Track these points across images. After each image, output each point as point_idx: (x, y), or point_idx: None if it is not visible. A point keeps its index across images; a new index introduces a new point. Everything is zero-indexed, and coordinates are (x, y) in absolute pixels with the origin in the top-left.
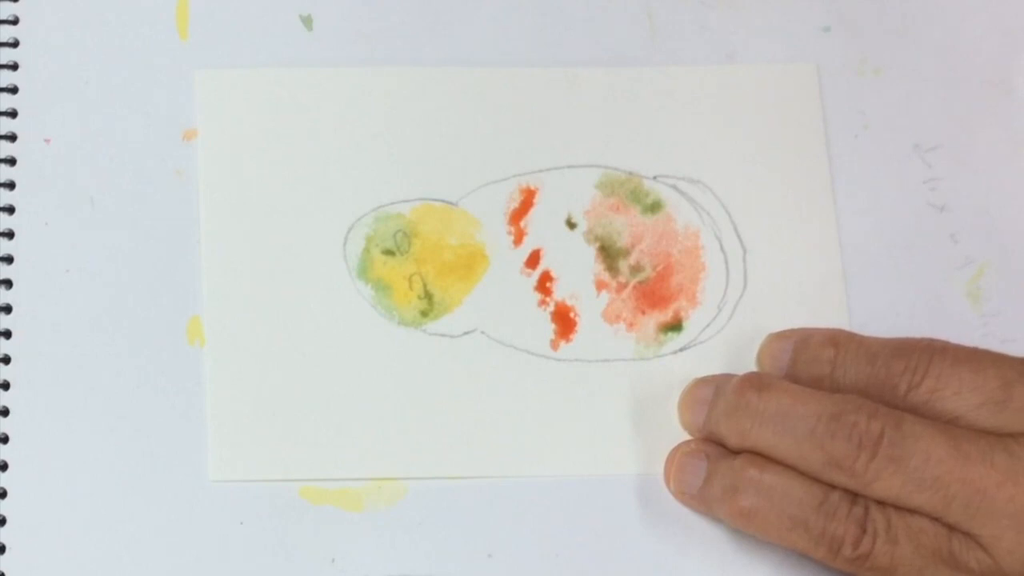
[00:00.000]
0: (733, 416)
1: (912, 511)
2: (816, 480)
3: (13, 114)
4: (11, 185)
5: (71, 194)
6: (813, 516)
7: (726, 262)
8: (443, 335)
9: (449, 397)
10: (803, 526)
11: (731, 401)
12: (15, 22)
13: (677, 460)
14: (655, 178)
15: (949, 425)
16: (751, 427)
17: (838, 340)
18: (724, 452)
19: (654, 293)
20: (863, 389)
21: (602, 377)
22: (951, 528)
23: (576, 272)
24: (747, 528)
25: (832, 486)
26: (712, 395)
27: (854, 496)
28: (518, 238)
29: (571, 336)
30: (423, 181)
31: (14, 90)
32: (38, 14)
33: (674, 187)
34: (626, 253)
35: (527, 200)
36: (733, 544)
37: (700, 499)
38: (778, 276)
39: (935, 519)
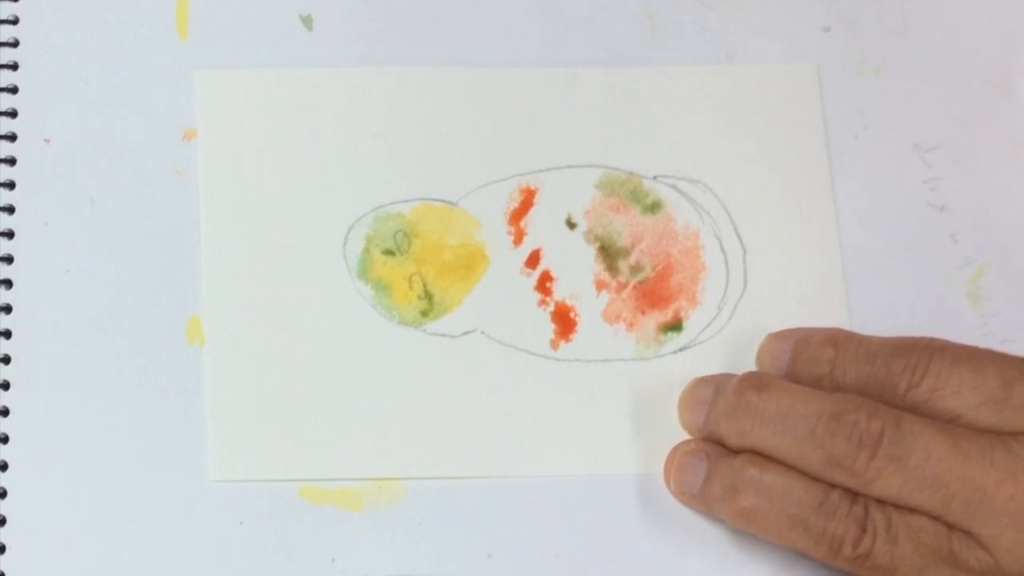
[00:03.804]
0: (733, 416)
1: (912, 510)
2: (816, 480)
3: (13, 114)
4: (11, 185)
5: (71, 194)
6: (813, 516)
7: (726, 262)
8: (443, 335)
9: (449, 397)
10: (803, 526)
11: (731, 401)
12: (15, 22)
13: (677, 460)
14: (655, 178)
15: (949, 424)
16: (751, 427)
17: (838, 340)
18: (724, 452)
19: (654, 293)
20: (863, 388)
21: (602, 377)
22: (951, 527)
23: (576, 272)
24: (747, 528)
25: (832, 485)
26: (712, 395)
27: (854, 495)
28: (518, 238)
29: (571, 336)
30: (423, 181)
31: (14, 90)
32: (38, 14)
33: (674, 187)
34: (626, 253)
35: (527, 200)
36: (733, 544)
37: (700, 499)
38: (778, 276)
39: (935, 518)
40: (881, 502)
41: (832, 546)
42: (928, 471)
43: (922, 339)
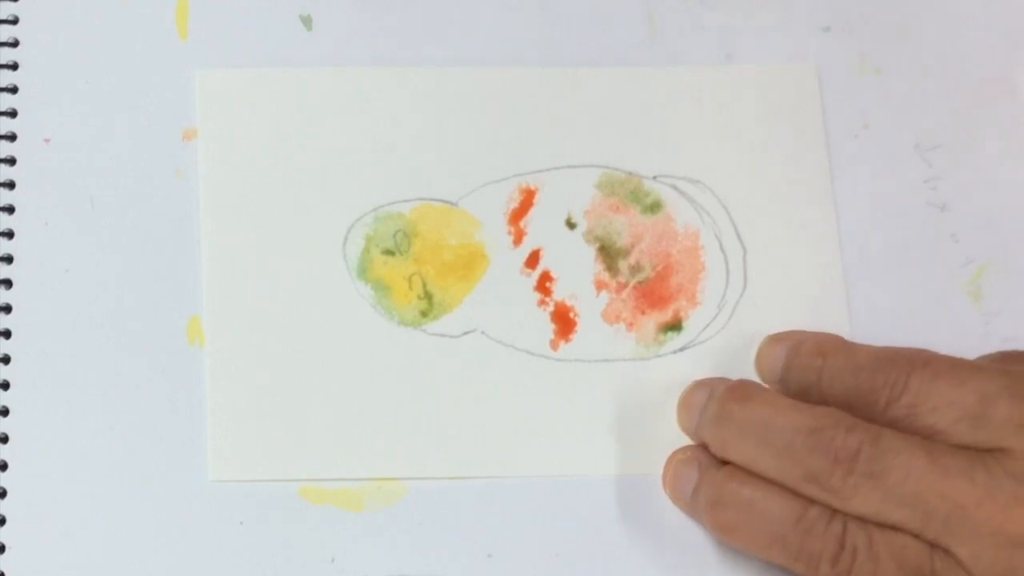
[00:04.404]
0: (716, 425)
1: (893, 528)
2: (796, 495)
3: (13, 114)
4: (11, 185)
5: (71, 194)
6: (791, 532)
7: (726, 262)
8: (443, 335)
9: (449, 397)
10: (781, 542)
11: (715, 411)
12: (15, 22)
13: (672, 467)
14: (655, 178)
15: (928, 441)
16: (732, 438)
17: (826, 349)
18: (715, 461)
19: (654, 293)
20: (848, 401)
21: (602, 377)
22: (932, 545)
23: (576, 272)
24: (730, 542)
25: (812, 501)
26: (706, 400)
27: (833, 512)
28: (518, 238)
29: (571, 336)
30: (423, 181)
31: (14, 90)
32: (38, 14)
33: (674, 187)
34: (626, 253)
35: (527, 200)
36: (732, 547)
37: (691, 507)
38: (778, 276)
39: (916, 536)
40: (862, 520)
41: (810, 563)
42: (907, 488)
43: (907, 352)
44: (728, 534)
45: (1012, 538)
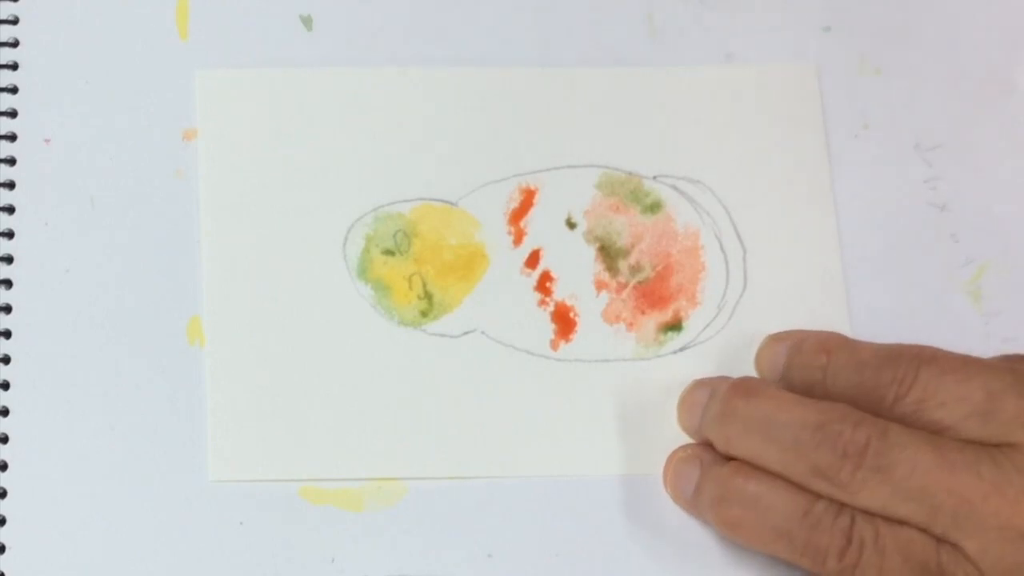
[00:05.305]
0: (721, 422)
1: (900, 522)
2: (802, 489)
3: (13, 114)
4: (11, 185)
5: (71, 194)
6: (797, 527)
7: (726, 262)
8: (443, 335)
9: (449, 397)
10: (787, 537)
11: (719, 407)
12: (15, 22)
13: (672, 466)
14: (655, 178)
15: (936, 435)
16: (737, 434)
17: (830, 347)
18: (717, 458)
19: (654, 293)
20: (853, 397)
21: (602, 377)
22: (939, 540)
23: (576, 272)
24: (735, 537)
25: (818, 496)
26: (707, 398)
27: (840, 506)
28: (518, 238)
29: (571, 336)
30: (423, 181)
31: (14, 90)
32: (38, 14)
33: (674, 187)
34: (626, 253)
35: (527, 200)
36: (734, 545)
37: (693, 506)
38: (778, 276)
39: (923, 530)
40: (869, 514)
41: (816, 558)
42: (914, 482)
43: (912, 348)
44: (733, 530)
45: (1020, 532)
